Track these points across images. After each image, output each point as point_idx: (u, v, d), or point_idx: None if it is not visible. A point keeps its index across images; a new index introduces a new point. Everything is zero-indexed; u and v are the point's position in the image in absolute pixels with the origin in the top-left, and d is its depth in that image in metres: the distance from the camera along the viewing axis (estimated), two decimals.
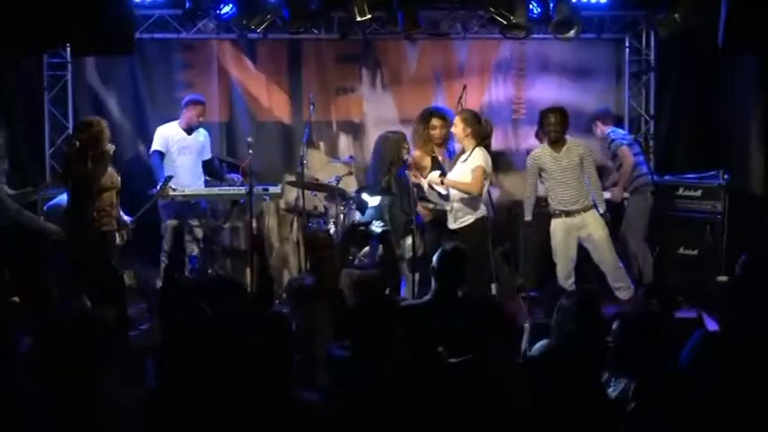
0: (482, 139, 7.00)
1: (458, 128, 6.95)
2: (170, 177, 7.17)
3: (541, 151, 7.12)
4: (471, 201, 6.82)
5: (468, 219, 6.83)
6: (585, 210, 7.00)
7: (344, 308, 5.02)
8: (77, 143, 6.29)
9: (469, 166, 6.79)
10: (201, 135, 7.87)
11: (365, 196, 7.66)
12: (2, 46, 5.95)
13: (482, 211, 6.88)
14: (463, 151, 6.97)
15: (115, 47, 6.49)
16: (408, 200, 6.99)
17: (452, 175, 6.88)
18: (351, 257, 7.39)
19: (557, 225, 7.05)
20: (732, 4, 6.17)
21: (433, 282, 5.07)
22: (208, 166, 7.97)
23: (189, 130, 7.75)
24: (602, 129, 7.97)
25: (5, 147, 6.94)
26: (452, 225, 6.90)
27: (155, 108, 8.27)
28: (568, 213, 6.99)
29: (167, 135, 7.72)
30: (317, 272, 5.56)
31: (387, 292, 6.85)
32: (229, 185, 7.75)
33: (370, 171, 8.32)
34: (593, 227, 7.00)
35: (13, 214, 6.55)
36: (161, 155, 7.70)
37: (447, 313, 4.48)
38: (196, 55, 8.39)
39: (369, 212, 7.66)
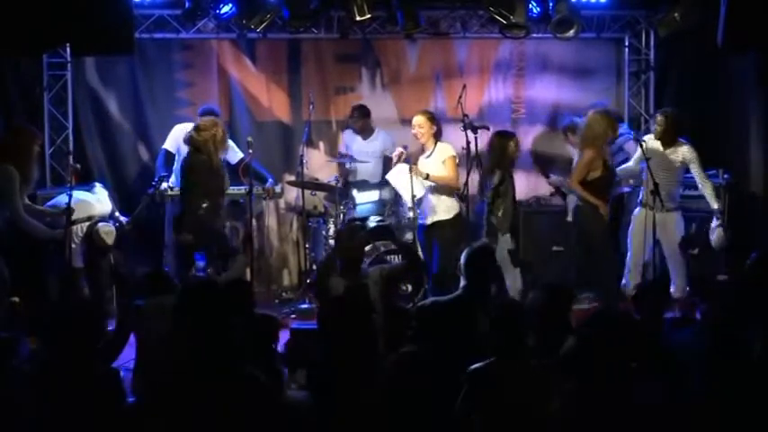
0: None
1: (424, 127, 7.17)
2: (163, 177, 7.14)
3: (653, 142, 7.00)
4: (448, 197, 7.10)
5: (446, 215, 7.11)
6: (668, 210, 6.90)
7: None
8: None
9: (438, 160, 7.11)
10: None
11: (354, 192, 7.70)
12: (2, 46, 5.95)
13: (457, 207, 7.14)
14: (423, 150, 7.25)
15: (115, 47, 6.49)
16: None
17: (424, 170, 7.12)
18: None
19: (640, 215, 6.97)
20: (731, 3, 6.18)
21: (461, 279, 5.10)
22: (244, 171, 7.38)
23: None
24: None
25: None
26: (429, 220, 7.15)
27: (155, 108, 8.27)
28: (652, 208, 6.81)
29: (177, 136, 7.58)
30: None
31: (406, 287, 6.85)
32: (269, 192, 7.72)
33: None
34: (670, 228, 6.97)
35: (23, 227, 6.51)
36: (167, 154, 7.63)
37: (475, 311, 4.53)
38: (196, 55, 8.39)
39: (368, 208, 7.68)
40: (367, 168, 8.04)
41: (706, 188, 7.04)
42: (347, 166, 8.11)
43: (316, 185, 8.02)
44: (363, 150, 8.05)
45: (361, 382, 3.63)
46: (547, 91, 8.65)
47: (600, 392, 3.28)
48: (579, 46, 8.40)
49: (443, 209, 7.16)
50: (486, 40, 8.54)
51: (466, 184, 7.38)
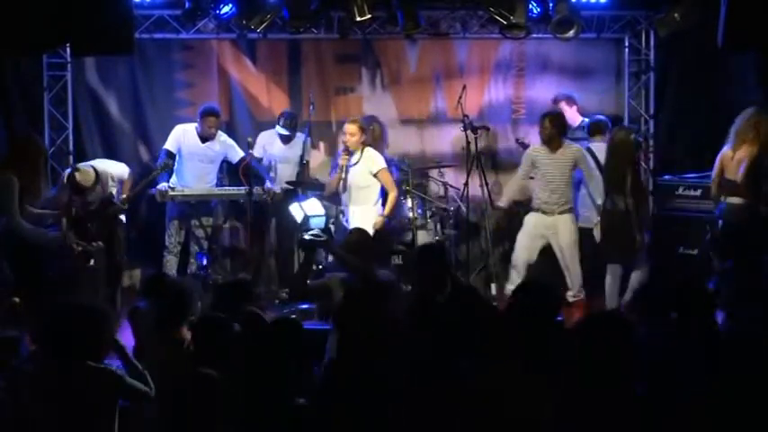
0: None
1: (355, 135, 7.21)
2: (167, 164, 7.33)
3: (540, 147, 7.20)
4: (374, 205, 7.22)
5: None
6: (561, 213, 7.09)
7: None
8: None
9: (366, 169, 7.20)
10: (218, 144, 7.70)
11: (293, 208, 7.19)
12: (2, 46, 5.95)
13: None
14: (350, 154, 7.24)
15: (115, 47, 6.48)
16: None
17: (351, 178, 7.22)
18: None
19: (529, 218, 7.21)
20: (731, 3, 6.18)
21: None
22: (245, 172, 7.46)
23: (204, 139, 7.66)
24: (570, 114, 7.94)
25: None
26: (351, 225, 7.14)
27: (155, 108, 8.27)
28: (545, 212, 7.11)
29: (181, 138, 7.64)
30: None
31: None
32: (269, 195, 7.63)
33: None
34: (563, 232, 7.10)
35: (22, 234, 6.50)
36: (169, 153, 7.61)
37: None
38: (196, 55, 8.39)
39: (316, 221, 7.08)
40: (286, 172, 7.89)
41: (590, 184, 7.17)
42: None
43: (314, 185, 8.02)
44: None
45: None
46: (547, 91, 8.64)
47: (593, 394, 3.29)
48: (579, 46, 8.40)
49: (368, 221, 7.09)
50: (486, 40, 8.53)
51: (466, 184, 7.40)
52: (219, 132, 7.74)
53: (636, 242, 6.77)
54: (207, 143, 7.68)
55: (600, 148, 7.38)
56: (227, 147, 7.77)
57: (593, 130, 7.75)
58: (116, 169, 7.29)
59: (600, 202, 7.11)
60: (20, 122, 7.63)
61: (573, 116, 8.04)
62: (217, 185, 7.82)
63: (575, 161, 7.12)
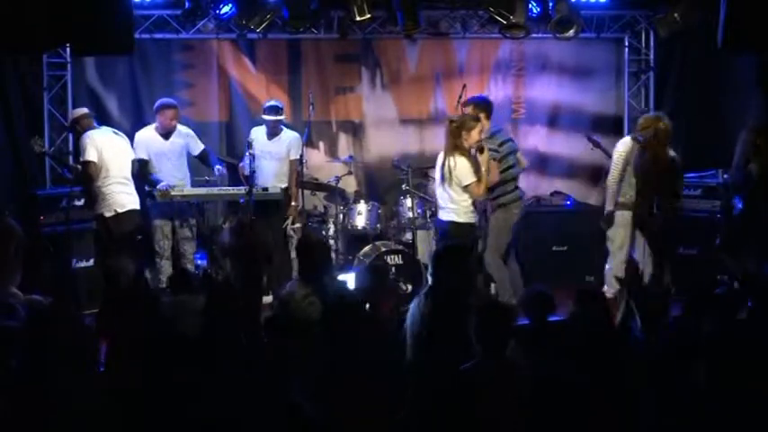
0: None
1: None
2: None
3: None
4: None
5: None
6: None
7: None
8: None
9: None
10: (181, 137, 7.59)
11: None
12: (2, 46, 5.95)
13: None
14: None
15: (115, 47, 6.47)
16: None
17: None
18: None
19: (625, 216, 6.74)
20: (731, 3, 6.17)
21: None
22: (202, 159, 7.70)
23: (166, 134, 7.52)
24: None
25: None
26: None
27: (154, 108, 8.26)
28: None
29: (144, 142, 7.52)
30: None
31: None
32: (217, 181, 7.57)
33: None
34: None
35: None
36: (142, 163, 7.48)
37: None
38: (196, 55, 8.39)
39: None
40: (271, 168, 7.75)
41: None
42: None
43: (316, 185, 8.01)
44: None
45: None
46: (547, 91, 8.66)
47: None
48: (579, 46, 8.41)
49: None
50: (486, 40, 8.54)
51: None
52: (179, 125, 7.60)
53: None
54: (171, 138, 7.54)
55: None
56: (188, 138, 7.64)
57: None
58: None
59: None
60: (20, 123, 7.63)
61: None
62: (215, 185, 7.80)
63: None
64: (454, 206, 6.54)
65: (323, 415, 3.40)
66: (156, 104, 7.55)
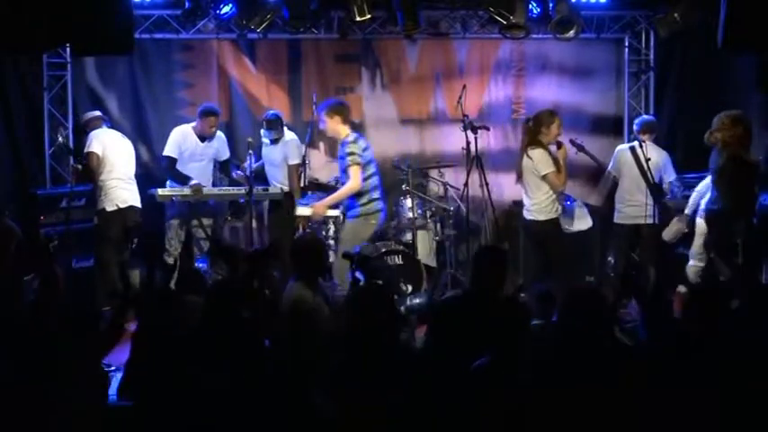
0: None
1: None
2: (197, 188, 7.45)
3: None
4: None
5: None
6: None
7: None
8: None
9: None
10: (216, 141, 7.78)
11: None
12: (2, 46, 5.95)
13: None
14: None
15: (115, 47, 6.47)
16: None
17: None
18: None
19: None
20: (731, 3, 6.18)
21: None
22: (223, 166, 7.93)
23: (202, 137, 7.68)
24: (333, 127, 7.05)
25: None
26: None
27: (154, 108, 8.27)
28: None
29: (180, 142, 7.64)
30: None
31: None
32: (237, 184, 7.78)
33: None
34: None
35: None
36: (172, 160, 7.62)
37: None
38: (196, 55, 8.39)
39: None
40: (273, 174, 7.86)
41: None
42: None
43: (316, 186, 8.01)
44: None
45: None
46: (547, 91, 8.66)
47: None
48: (579, 46, 8.41)
49: None
50: (486, 40, 8.55)
51: (466, 184, 7.39)
52: (218, 131, 7.81)
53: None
54: (206, 142, 7.70)
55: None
56: (221, 143, 7.86)
57: (646, 128, 7.55)
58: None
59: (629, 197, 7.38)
60: (20, 123, 7.63)
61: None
62: (214, 185, 7.84)
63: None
64: (532, 203, 6.69)
65: (335, 415, 3.41)
66: (201, 108, 7.68)
